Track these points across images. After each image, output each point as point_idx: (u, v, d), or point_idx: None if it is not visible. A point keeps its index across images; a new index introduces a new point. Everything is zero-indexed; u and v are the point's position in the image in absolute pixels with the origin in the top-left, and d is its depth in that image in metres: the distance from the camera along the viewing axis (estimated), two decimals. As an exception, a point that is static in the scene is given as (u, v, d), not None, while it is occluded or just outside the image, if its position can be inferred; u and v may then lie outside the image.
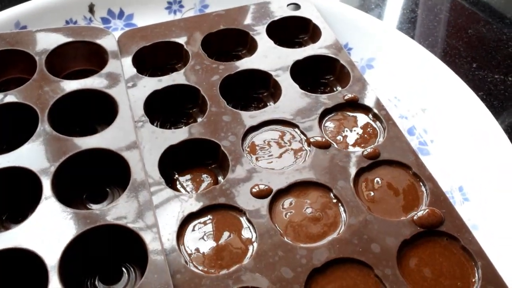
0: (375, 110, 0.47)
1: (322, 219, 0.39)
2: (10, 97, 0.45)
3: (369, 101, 0.48)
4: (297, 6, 0.58)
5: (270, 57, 0.52)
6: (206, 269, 0.36)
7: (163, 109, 0.48)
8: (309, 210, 0.40)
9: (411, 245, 0.38)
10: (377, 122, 0.47)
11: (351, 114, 0.48)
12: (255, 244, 0.37)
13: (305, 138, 0.45)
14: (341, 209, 0.40)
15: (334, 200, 0.40)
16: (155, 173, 0.41)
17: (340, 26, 0.57)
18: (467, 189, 0.44)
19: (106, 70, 0.48)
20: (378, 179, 0.42)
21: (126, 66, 0.50)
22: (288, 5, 0.58)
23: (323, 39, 0.54)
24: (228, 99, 0.48)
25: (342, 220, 0.39)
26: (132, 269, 0.37)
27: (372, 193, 0.41)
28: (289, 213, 0.39)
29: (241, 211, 0.39)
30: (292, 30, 0.57)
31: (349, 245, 0.37)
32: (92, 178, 0.42)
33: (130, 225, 0.36)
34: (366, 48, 0.56)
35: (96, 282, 0.37)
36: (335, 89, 0.52)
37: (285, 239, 0.37)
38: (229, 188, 0.40)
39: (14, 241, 0.35)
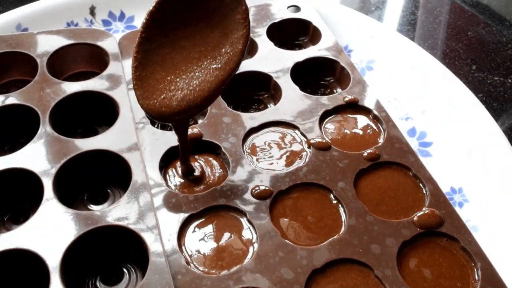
0: (375, 112, 0.47)
1: (323, 220, 0.39)
2: (12, 99, 0.45)
3: (369, 103, 0.48)
4: (297, 8, 0.58)
5: (271, 59, 0.52)
6: (207, 270, 0.36)
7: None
8: (309, 211, 0.40)
9: (411, 246, 0.38)
10: (377, 124, 0.47)
11: (351, 115, 0.48)
12: (256, 245, 0.37)
13: (306, 139, 0.45)
14: (341, 210, 0.40)
15: (334, 201, 0.40)
16: (156, 174, 0.41)
17: (340, 28, 0.57)
18: (466, 191, 0.44)
19: (107, 72, 0.48)
20: (378, 180, 0.42)
21: (127, 67, 0.50)
22: (288, 7, 0.58)
23: (323, 41, 0.54)
24: (229, 101, 0.48)
25: (342, 221, 0.39)
26: (133, 270, 0.38)
27: (372, 195, 0.41)
28: (289, 214, 0.40)
29: (242, 212, 0.39)
30: (292, 32, 0.57)
31: (349, 246, 0.37)
32: (93, 179, 0.42)
33: (131, 226, 0.36)
34: (366, 50, 0.56)
35: (97, 283, 0.37)
36: (335, 91, 0.52)
37: (286, 240, 0.38)
38: (229, 189, 0.40)
39: (16, 242, 0.35)
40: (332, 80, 0.53)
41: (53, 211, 0.37)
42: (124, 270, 0.38)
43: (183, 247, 0.37)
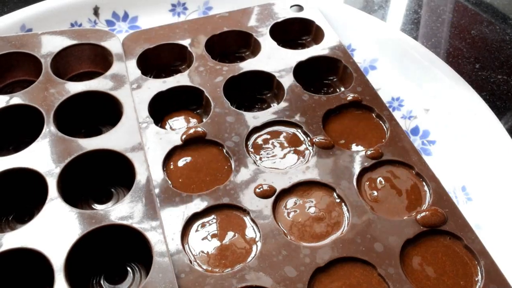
0: (378, 111, 0.47)
1: (326, 219, 0.39)
2: (17, 99, 0.45)
3: (372, 102, 0.48)
4: (300, 8, 0.58)
5: (274, 59, 0.52)
6: (210, 269, 0.36)
7: (168, 110, 0.48)
8: (312, 210, 0.40)
9: (414, 244, 0.38)
10: (380, 122, 0.47)
11: (354, 114, 0.48)
12: (259, 244, 0.37)
13: (309, 138, 0.45)
14: (344, 208, 0.40)
15: (338, 200, 0.40)
16: (159, 173, 0.41)
17: (343, 28, 0.57)
18: (470, 189, 0.44)
19: (111, 72, 0.49)
20: (381, 179, 0.42)
21: (130, 68, 0.50)
22: (291, 6, 0.58)
23: (326, 40, 0.54)
24: (232, 100, 0.48)
25: (345, 220, 0.39)
26: (137, 269, 0.38)
27: (375, 193, 0.41)
28: (292, 213, 0.40)
29: (245, 211, 0.39)
30: (295, 32, 0.57)
31: (353, 244, 0.37)
32: (97, 178, 0.42)
33: (135, 225, 0.37)
34: (369, 49, 0.56)
35: (102, 281, 0.37)
36: (338, 90, 0.52)
37: (289, 238, 0.38)
38: (233, 188, 0.41)
39: (21, 241, 0.35)
40: (335, 79, 0.53)
41: (57, 210, 0.37)
42: (128, 269, 0.38)
43: (186, 246, 0.37)
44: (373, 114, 0.47)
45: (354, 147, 0.45)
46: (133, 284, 0.37)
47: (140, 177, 0.40)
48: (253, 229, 0.38)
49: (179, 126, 0.47)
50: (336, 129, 0.46)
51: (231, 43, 0.56)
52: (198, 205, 0.39)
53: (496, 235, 0.40)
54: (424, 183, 0.42)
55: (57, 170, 0.40)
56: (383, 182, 0.42)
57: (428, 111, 0.50)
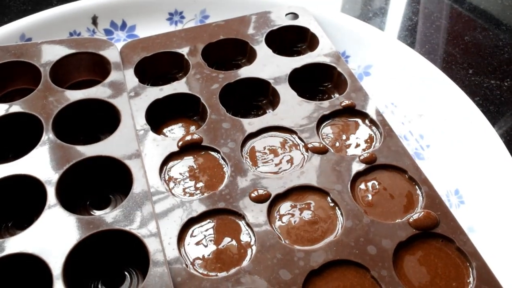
0: (372, 116, 0.48)
1: (320, 223, 0.40)
2: (16, 107, 0.46)
3: (366, 107, 0.49)
4: (295, 16, 0.59)
5: (269, 66, 0.53)
6: (206, 272, 0.37)
7: (165, 117, 0.49)
8: (306, 214, 0.40)
9: (407, 247, 0.38)
10: (374, 128, 0.48)
11: (348, 120, 0.48)
12: (254, 247, 0.38)
13: (303, 144, 0.46)
14: (338, 212, 0.40)
15: (331, 204, 0.41)
16: (156, 179, 0.42)
17: (337, 35, 0.58)
18: (463, 193, 0.45)
19: (109, 80, 0.49)
20: (374, 183, 0.43)
21: (128, 76, 0.51)
22: (286, 14, 0.59)
23: (320, 47, 0.55)
24: (228, 107, 0.49)
25: (339, 223, 0.40)
26: (134, 273, 0.38)
27: (368, 197, 0.42)
28: (287, 217, 0.40)
29: (240, 216, 0.40)
30: (290, 39, 0.58)
31: (346, 247, 0.38)
32: (95, 185, 0.43)
33: (132, 230, 0.37)
34: (363, 56, 0.57)
35: (99, 286, 0.38)
36: (332, 96, 0.53)
37: (283, 242, 0.38)
38: (228, 193, 0.41)
39: (20, 247, 0.36)
40: (329, 86, 0.54)
41: (56, 216, 0.38)
42: (126, 273, 0.38)
43: (182, 250, 0.38)
44: (367, 120, 0.48)
45: (348, 152, 0.45)
46: (131, 288, 0.38)
47: (137, 183, 0.40)
48: (248, 233, 0.39)
49: (176, 133, 0.48)
50: (330, 134, 0.47)
51: (228, 51, 0.56)
52: (194, 210, 0.40)
53: (488, 238, 0.41)
54: (416, 187, 0.42)
55: (56, 177, 0.40)
56: (377, 186, 0.43)
57: (421, 116, 0.51)
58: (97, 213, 0.42)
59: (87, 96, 0.47)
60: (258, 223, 0.39)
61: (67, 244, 0.36)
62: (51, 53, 0.52)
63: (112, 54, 0.52)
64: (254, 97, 0.52)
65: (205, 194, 0.41)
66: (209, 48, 0.55)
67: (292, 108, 0.49)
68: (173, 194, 0.41)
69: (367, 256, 0.37)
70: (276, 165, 0.44)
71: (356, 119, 0.48)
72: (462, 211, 0.43)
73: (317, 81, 0.54)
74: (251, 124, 0.47)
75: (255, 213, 0.40)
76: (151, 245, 0.36)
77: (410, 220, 0.40)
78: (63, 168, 0.41)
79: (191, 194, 0.42)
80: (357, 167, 0.43)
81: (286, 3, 0.60)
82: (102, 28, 0.60)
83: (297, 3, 0.60)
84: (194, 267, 0.37)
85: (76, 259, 0.36)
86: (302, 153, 0.45)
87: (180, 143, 0.45)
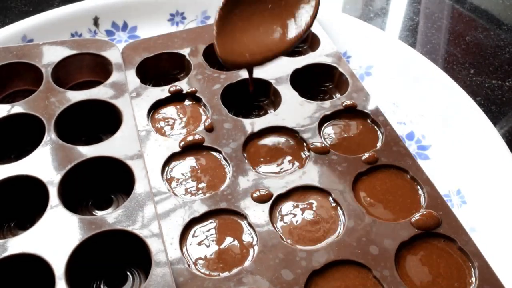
0: (373, 116, 0.48)
1: (322, 223, 0.40)
2: (18, 108, 0.46)
3: (367, 108, 0.49)
4: (296, 16, 0.59)
5: (270, 66, 0.52)
6: (208, 272, 0.37)
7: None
8: (308, 214, 0.40)
9: (408, 247, 0.38)
10: (375, 128, 0.48)
11: (350, 120, 0.48)
12: (256, 247, 0.38)
13: (305, 144, 0.46)
14: (340, 212, 0.41)
15: (333, 204, 0.41)
16: (158, 179, 0.42)
17: (339, 35, 0.58)
18: (465, 193, 0.45)
19: (110, 80, 0.50)
20: (376, 183, 0.43)
21: (130, 76, 0.51)
22: (287, 15, 0.59)
23: (322, 47, 0.55)
24: (230, 107, 0.49)
25: (341, 223, 0.40)
26: (136, 273, 0.38)
27: (370, 197, 0.42)
28: (289, 217, 0.40)
29: (242, 216, 0.40)
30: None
31: (348, 247, 0.38)
32: (97, 185, 0.43)
33: (134, 230, 0.37)
34: (365, 56, 0.57)
35: (102, 286, 0.38)
36: (334, 96, 0.53)
37: (285, 242, 0.38)
38: (230, 193, 0.41)
39: (22, 247, 0.36)
40: (331, 86, 0.54)
41: (58, 217, 0.38)
42: (128, 273, 0.38)
43: (184, 250, 0.38)
44: (369, 120, 0.48)
45: (349, 152, 0.45)
46: (133, 288, 0.38)
47: (139, 183, 0.40)
48: (250, 233, 0.39)
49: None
50: (332, 134, 0.47)
51: (229, 52, 0.56)
52: (196, 210, 0.40)
53: (490, 238, 0.41)
54: (418, 187, 0.42)
55: (58, 177, 0.40)
56: (378, 187, 0.42)
57: (423, 116, 0.51)
58: (99, 213, 0.42)
59: (88, 97, 0.48)
60: (260, 223, 0.39)
61: (69, 244, 0.36)
62: (53, 54, 0.52)
63: (113, 55, 0.52)
64: (256, 97, 0.52)
65: (207, 194, 0.41)
66: (210, 48, 0.55)
67: (294, 109, 0.49)
68: (175, 194, 0.41)
69: (369, 256, 0.37)
70: (277, 165, 0.44)
71: (358, 119, 0.48)
72: (464, 211, 0.43)
73: (318, 81, 0.54)
74: (252, 124, 0.47)
75: (257, 213, 0.40)
76: (153, 245, 0.36)
77: (412, 220, 0.40)
78: (65, 169, 0.41)
79: (193, 194, 0.42)
80: (359, 167, 0.43)
81: (287, 4, 0.60)
82: (103, 29, 0.60)
83: (298, 4, 0.60)
84: (196, 267, 0.37)
85: (79, 259, 0.36)
86: (303, 153, 0.45)
87: (182, 143, 0.45)
